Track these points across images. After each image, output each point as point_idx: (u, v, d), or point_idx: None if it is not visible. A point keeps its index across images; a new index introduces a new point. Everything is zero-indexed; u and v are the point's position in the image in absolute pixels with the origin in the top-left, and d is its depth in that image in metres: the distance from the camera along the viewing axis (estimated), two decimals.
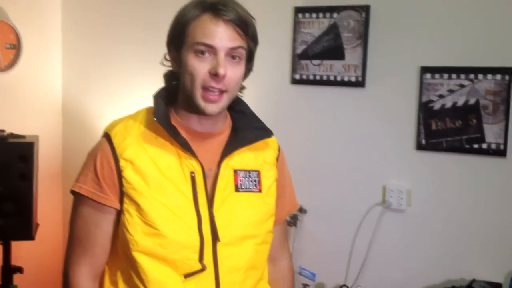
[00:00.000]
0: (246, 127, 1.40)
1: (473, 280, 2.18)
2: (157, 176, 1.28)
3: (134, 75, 2.92)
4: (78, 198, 1.34)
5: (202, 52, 1.25)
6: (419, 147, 2.37)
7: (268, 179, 1.42)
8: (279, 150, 1.50)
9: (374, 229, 2.46)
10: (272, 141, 1.48)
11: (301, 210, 2.59)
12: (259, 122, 1.43)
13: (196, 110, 1.30)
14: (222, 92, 1.27)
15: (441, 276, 2.32)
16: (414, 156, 2.40)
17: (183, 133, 1.31)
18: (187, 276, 1.27)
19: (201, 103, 1.27)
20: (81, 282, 1.33)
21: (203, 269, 1.28)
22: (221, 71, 1.24)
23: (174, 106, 1.37)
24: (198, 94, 1.26)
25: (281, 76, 2.64)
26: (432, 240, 2.37)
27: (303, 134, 2.62)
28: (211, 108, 1.28)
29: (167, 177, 1.29)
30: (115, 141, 1.30)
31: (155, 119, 1.28)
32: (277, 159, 1.47)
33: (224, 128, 1.40)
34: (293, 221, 2.55)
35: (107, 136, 1.33)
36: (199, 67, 1.25)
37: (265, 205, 1.40)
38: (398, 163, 2.44)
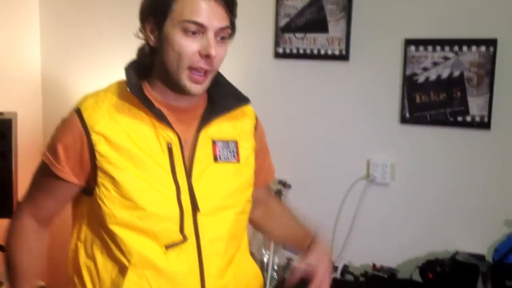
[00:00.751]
0: (222, 97, 1.37)
1: (457, 252, 2.19)
2: (132, 148, 1.25)
3: (113, 51, 2.86)
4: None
5: (193, 32, 1.21)
6: (403, 120, 2.36)
7: (246, 149, 1.40)
8: (256, 119, 1.48)
9: (358, 203, 2.46)
10: (249, 110, 1.46)
11: (285, 185, 2.58)
12: (236, 91, 1.41)
13: (177, 88, 1.28)
14: (206, 72, 1.26)
15: (425, 248, 2.33)
16: (398, 130, 2.39)
17: (157, 106, 1.28)
18: (168, 247, 1.26)
19: (187, 83, 1.25)
20: (24, 221, 1.38)
21: (184, 240, 1.27)
22: (213, 52, 1.21)
23: (147, 80, 1.33)
24: (184, 75, 1.24)
25: (264, 50, 2.61)
26: (416, 213, 2.37)
27: (286, 109, 2.59)
28: (196, 88, 1.26)
29: (142, 149, 1.26)
30: (86, 115, 1.27)
31: (128, 90, 1.25)
32: (255, 128, 1.46)
33: (200, 102, 1.37)
34: (277, 196, 2.54)
35: (77, 110, 1.29)
36: (188, 47, 1.22)
37: (244, 175, 1.39)
38: (382, 137, 2.43)
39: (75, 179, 1.29)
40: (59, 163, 1.28)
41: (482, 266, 2.12)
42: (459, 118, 2.25)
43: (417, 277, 2.18)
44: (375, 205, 2.45)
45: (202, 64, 1.23)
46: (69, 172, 1.28)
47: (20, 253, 1.39)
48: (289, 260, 2.48)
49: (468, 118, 2.23)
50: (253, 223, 1.59)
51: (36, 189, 1.37)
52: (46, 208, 1.38)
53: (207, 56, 1.22)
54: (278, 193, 2.54)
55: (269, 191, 1.68)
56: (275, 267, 2.46)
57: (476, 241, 2.25)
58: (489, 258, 2.19)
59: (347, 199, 2.48)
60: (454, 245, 2.26)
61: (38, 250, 1.42)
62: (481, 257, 2.18)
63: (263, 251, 2.53)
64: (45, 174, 1.32)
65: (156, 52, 1.28)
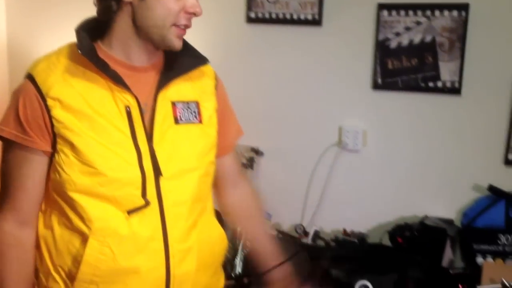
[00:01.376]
0: (180, 57, 1.34)
1: (426, 217, 2.21)
2: (89, 112, 1.21)
3: (82, 12, 2.77)
4: (4, 143, 1.27)
5: None
6: (375, 86, 2.35)
7: (208, 110, 1.37)
8: (216, 79, 1.45)
9: (329, 170, 2.46)
10: (208, 70, 1.43)
11: (258, 152, 2.56)
12: (194, 51, 1.37)
13: (158, 44, 1.27)
14: (186, 28, 1.27)
15: (395, 213, 2.35)
16: (370, 96, 2.37)
17: (113, 67, 1.24)
18: (130, 212, 1.23)
19: (174, 39, 1.25)
20: (4, 228, 1.27)
21: (146, 204, 1.24)
22: (198, 10, 1.25)
23: (102, 40, 1.29)
24: (172, 31, 1.24)
25: (236, 15, 2.55)
26: (386, 179, 2.38)
27: (258, 75, 2.56)
28: (179, 43, 1.27)
29: (100, 113, 1.22)
30: (39, 80, 1.21)
31: (80, 52, 1.20)
32: (215, 88, 1.42)
33: (158, 61, 1.34)
34: (249, 163, 2.52)
35: (29, 76, 1.23)
36: (175, 5, 1.22)
37: (207, 136, 1.37)
38: (354, 103, 2.41)
39: (47, 147, 1.23)
40: (26, 134, 1.22)
41: (451, 230, 2.15)
42: (431, 84, 2.24)
43: (386, 242, 2.20)
44: (346, 172, 2.45)
45: (186, 21, 1.25)
46: (38, 141, 1.22)
47: (4, 273, 1.29)
48: None
49: (439, 84, 2.23)
50: (222, 209, 1.59)
51: (7, 181, 1.27)
52: (26, 200, 1.27)
53: (192, 14, 1.24)
54: (251, 161, 2.53)
55: (239, 168, 1.65)
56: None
57: (445, 206, 2.27)
58: (457, 222, 2.22)
59: (319, 165, 2.48)
60: (424, 210, 2.28)
61: (26, 264, 1.30)
62: (449, 222, 2.21)
63: None
64: (13, 155, 1.25)
65: (128, 9, 1.24)
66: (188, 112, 1.32)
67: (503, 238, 2.08)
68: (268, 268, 1.54)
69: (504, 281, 1.83)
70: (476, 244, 2.11)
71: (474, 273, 1.96)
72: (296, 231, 2.38)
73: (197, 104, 1.35)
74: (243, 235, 2.42)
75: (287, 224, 2.56)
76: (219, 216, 1.55)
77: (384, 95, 2.35)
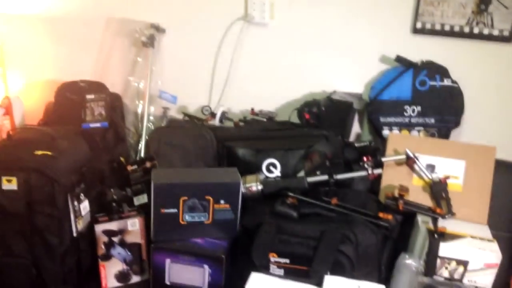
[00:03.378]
0: None
1: (334, 92, 2.15)
2: None
3: None
4: None
5: None
6: None
7: None
8: None
9: (236, 45, 2.31)
10: None
11: (159, 29, 2.36)
12: None
13: None
14: None
15: (303, 90, 2.28)
16: None
17: None
18: None
19: None
20: None
21: None
22: None
23: None
24: None
25: None
26: (294, 53, 2.27)
27: None
28: None
29: None
30: None
31: None
32: None
33: None
34: (149, 41, 2.33)
35: None
36: None
37: None
38: None
39: None
40: None
41: (358, 104, 2.12)
42: None
43: (295, 119, 2.14)
44: (253, 48, 2.32)
45: None
46: None
47: None
48: (165, 109, 2.35)
49: None
50: None
51: None
52: None
53: None
54: (151, 39, 2.33)
55: None
56: (151, 117, 2.33)
57: (353, 80, 2.21)
58: (365, 96, 2.18)
59: (224, 40, 2.32)
60: (332, 85, 2.22)
61: None
62: (357, 96, 2.16)
63: (137, 102, 2.37)
64: None
65: None
66: None
67: (409, 110, 2.06)
68: None
69: (408, 151, 1.83)
70: (383, 117, 2.09)
71: (380, 146, 1.96)
72: (203, 113, 2.27)
73: None
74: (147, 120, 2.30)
75: (193, 105, 2.44)
76: None
77: None
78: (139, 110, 2.35)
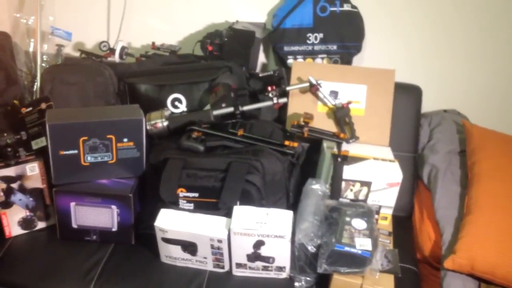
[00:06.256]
0: None
1: (236, 22, 2.10)
2: None
3: None
4: None
5: None
6: None
7: None
8: None
9: None
10: None
11: None
12: None
13: None
14: None
15: (206, 20, 2.21)
16: None
17: None
18: None
19: None
20: None
21: None
22: None
23: None
24: None
25: None
26: None
27: None
28: None
29: None
30: None
31: None
32: None
33: None
34: None
35: None
36: None
37: None
38: None
39: None
40: None
41: (262, 33, 2.08)
42: None
43: (198, 52, 2.07)
44: None
45: None
46: None
47: None
48: (59, 46, 2.20)
49: None
50: None
51: None
52: None
53: None
54: None
55: None
56: (45, 57, 2.18)
57: (257, 9, 2.17)
58: (269, 25, 2.15)
59: None
60: (235, 15, 2.16)
61: None
62: (260, 25, 2.13)
63: (27, 40, 2.21)
64: None
65: None
66: None
67: (312, 37, 2.06)
68: None
69: (311, 78, 1.84)
70: (287, 46, 2.08)
71: (284, 75, 1.95)
72: (101, 49, 2.15)
73: None
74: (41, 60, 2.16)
75: (90, 42, 2.31)
76: None
77: None
78: (31, 49, 2.19)
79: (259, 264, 1.55)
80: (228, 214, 1.54)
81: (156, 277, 1.58)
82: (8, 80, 1.93)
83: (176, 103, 1.84)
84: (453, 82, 2.13)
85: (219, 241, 1.50)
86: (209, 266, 1.60)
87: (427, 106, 2.07)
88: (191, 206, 1.58)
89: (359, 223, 1.51)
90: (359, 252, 1.42)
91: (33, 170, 1.67)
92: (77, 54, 2.23)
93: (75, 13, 2.26)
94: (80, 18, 2.26)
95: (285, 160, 1.65)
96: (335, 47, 2.06)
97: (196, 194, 1.56)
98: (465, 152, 1.90)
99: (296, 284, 1.54)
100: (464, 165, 1.87)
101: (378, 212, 1.70)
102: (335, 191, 1.65)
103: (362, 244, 1.44)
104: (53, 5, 2.24)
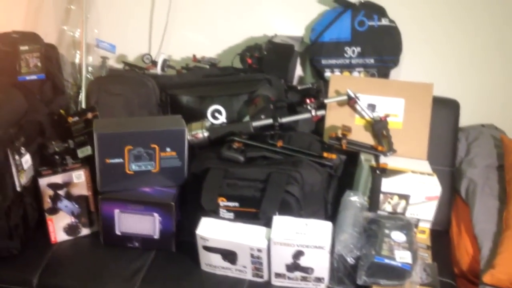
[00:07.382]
0: None
1: (275, 36, 2.14)
2: None
3: None
4: None
5: None
6: None
7: None
8: None
9: None
10: None
11: None
12: None
13: None
14: None
15: (245, 34, 2.26)
16: None
17: None
18: None
19: None
20: None
21: None
22: None
23: None
24: None
25: None
26: None
27: None
28: None
29: None
30: None
31: None
32: None
33: None
34: None
35: None
36: None
37: None
38: None
39: None
40: None
41: (300, 46, 2.12)
42: None
43: (238, 65, 2.12)
44: None
45: None
46: None
47: None
48: (104, 58, 2.27)
49: None
50: None
51: None
52: None
53: None
54: None
55: None
56: (90, 68, 2.25)
57: (294, 23, 2.20)
58: (306, 39, 2.18)
59: None
60: (273, 29, 2.20)
61: None
62: (298, 39, 2.16)
63: (73, 52, 2.29)
64: None
65: None
66: None
67: (349, 51, 2.08)
68: None
69: (349, 91, 1.86)
70: (324, 59, 2.11)
71: (322, 88, 1.98)
72: (144, 61, 2.21)
73: None
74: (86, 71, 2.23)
75: (133, 54, 2.38)
76: None
77: None
78: (77, 61, 2.27)
79: (298, 274, 1.57)
80: (267, 224, 1.57)
81: (196, 285, 1.61)
82: (56, 90, 2.00)
83: (216, 114, 1.88)
84: (491, 96, 2.13)
85: (259, 250, 1.53)
86: (248, 275, 1.63)
87: (464, 120, 2.07)
88: (231, 215, 1.61)
89: (398, 236, 1.52)
90: (399, 264, 1.43)
91: (79, 178, 1.73)
92: (120, 66, 2.30)
93: (119, 27, 2.33)
94: (123, 31, 2.33)
95: (323, 172, 1.67)
96: (372, 60, 2.08)
97: (237, 204, 1.60)
98: (503, 167, 1.90)
99: None
100: (502, 180, 1.87)
101: (416, 226, 1.70)
102: (373, 203, 1.67)
103: (402, 256, 1.45)
104: (98, 19, 2.32)
